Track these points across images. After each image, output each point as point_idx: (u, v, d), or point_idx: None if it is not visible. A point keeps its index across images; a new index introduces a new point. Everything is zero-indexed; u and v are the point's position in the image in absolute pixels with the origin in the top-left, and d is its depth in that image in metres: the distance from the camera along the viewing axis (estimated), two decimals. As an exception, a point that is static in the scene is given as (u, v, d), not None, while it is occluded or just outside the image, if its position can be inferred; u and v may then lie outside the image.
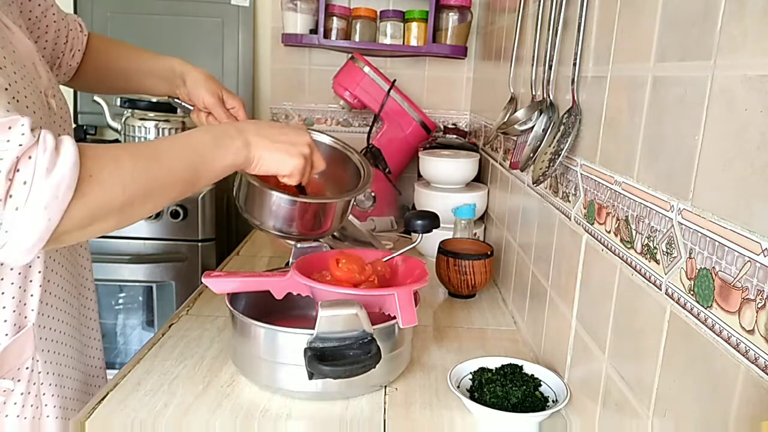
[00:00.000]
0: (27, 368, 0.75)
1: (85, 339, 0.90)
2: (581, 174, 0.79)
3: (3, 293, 0.71)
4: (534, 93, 0.96)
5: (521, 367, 0.83)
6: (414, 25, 1.72)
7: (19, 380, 0.74)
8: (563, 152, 0.79)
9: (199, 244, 1.60)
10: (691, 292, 0.50)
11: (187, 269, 1.60)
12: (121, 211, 0.61)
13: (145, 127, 1.67)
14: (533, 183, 0.83)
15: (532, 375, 0.82)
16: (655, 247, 0.57)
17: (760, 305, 0.42)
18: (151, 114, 1.68)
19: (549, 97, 0.89)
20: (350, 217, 1.13)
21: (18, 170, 0.53)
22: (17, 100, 0.64)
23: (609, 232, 0.69)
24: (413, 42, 1.74)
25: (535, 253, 1.00)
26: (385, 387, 0.84)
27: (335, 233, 1.12)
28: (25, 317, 0.74)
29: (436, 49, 1.73)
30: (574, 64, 0.79)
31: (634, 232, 0.62)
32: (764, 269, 0.41)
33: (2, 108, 0.55)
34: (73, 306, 0.85)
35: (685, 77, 0.53)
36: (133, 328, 1.77)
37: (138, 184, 0.61)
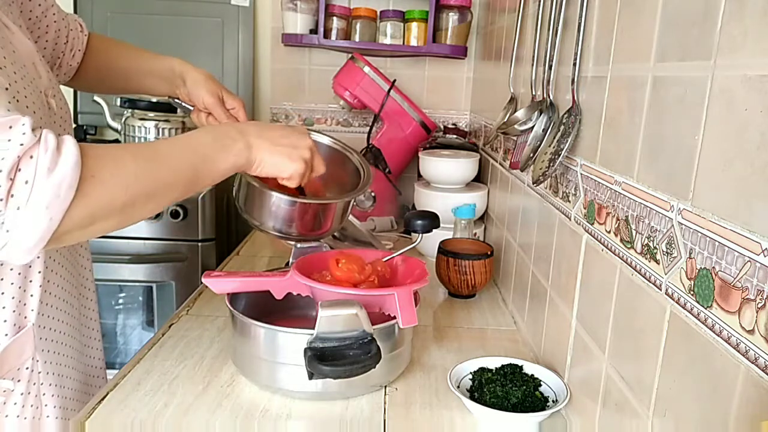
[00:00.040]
0: (27, 368, 0.75)
1: (85, 339, 0.90)
2: (581, 174, 0.79)
3: (3, 293, 0.71)
4: (534, 93, 0.96)
5: (521, 367, 0.83)
6: (414, 25, 1.72)
7: (19, 380, 0.74)
8: (563, 152, 0.79)
9: (199, 244, 1.60)
10: (691, 292, 0.50)
11: (187, 269, 1.60)
12: (123, 211, 0.61)
13: (145, 127, 1.67)
14: (533, 183, 0.83)
15: (532, 375, 0.82)
16: (655, 247, 0.57)
17: (760, 305, 0.42)
18: (151, 114, 1.67)
19: (549, 97, 0.89)
20: (350, 217, 1.13)
21: (19, 170, 0.53)
22: (17, 100, 0.64)
23: (609, 232, 0.69)
24: (413, 42, 1.73)
25: (535, 253, 1.00)
26: (385, 387, 0.84)
27: (335, 233, 1.12)
28: (25, 317, 0.74)
29: (436, 49, 1.73)
30: (574, 64, 0.79)
31: (634, 232, 0.62)
32: (764, 269, 0.41)
33: (3, 108, 0.55)
34: (73, 306, 0.85)
35: (685, 77, 0.53)
36: (133, 328, 1.77)
37: (140, 184, 0.61)
